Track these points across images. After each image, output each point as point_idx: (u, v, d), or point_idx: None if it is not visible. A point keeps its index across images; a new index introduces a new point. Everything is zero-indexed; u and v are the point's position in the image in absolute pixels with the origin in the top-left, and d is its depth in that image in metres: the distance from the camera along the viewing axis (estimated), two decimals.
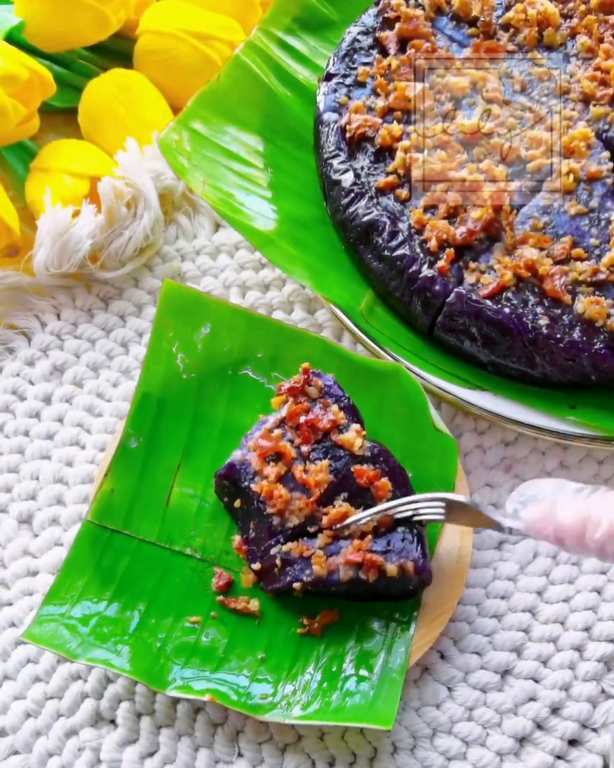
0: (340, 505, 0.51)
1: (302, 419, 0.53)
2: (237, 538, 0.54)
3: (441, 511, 0.50)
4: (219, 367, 0.58)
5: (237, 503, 0.53)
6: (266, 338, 0.58)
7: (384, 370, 0.57)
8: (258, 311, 0.64)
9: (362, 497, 0.52)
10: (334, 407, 0.53)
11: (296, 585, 0.50)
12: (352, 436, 0.53)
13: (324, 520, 0.51)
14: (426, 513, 0.51)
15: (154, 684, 0.49)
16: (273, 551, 0.51)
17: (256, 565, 0.52)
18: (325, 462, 0.52)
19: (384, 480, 0.52)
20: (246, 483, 0.52)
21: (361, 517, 0.51)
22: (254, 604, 0.52)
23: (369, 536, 0.51)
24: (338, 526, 0.51)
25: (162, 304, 0.58)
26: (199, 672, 0.51)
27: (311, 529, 0.51)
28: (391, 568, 0.50)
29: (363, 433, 0.53)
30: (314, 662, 0.51)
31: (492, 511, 0.48)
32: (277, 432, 0.53)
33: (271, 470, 0.52)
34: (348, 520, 0.51)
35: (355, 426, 0.53)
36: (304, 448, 0.52)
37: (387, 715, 0.49)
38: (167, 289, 0.59)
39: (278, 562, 0.51)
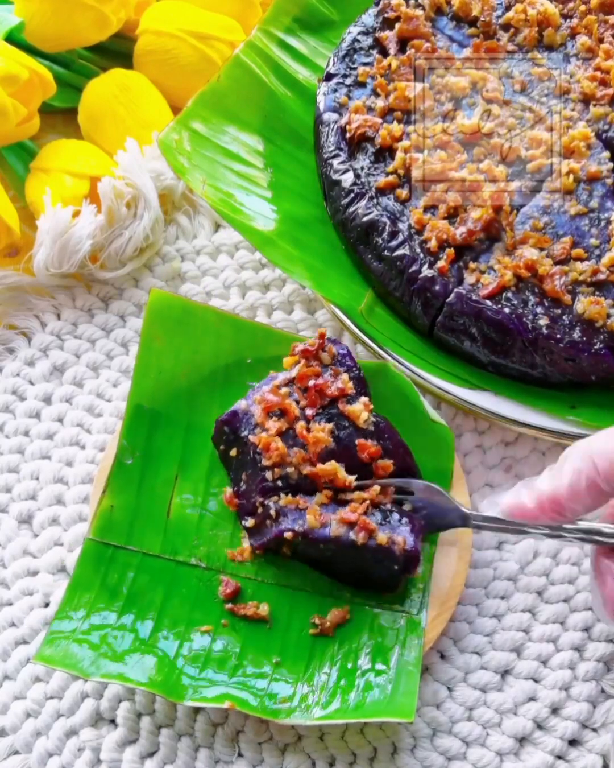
0: (330, 464, 0.52)
1: (311, 383, 0.53)
2: (228, 491, 0.54)
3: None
4: (209, 374, 0.58)
5: (233, 452, 0.54)
6: (253, 342, 0.58)
7: (372, 369, 0.57)
8: (258, 311, 0.64)
9: (361, 473, 0.52)
10: (344, 376, 0.54)
11: (288, 534, 0.50)
12: (359, 408, 0.53)
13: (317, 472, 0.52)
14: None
15: (171, 696, 0.49)
16: (269, 502, 0.51)
17: (249, 522, 0.52)
18: (329, 425, 0.52)
19: (387, 461, 0.53)
20: (245, 432, 0.53)
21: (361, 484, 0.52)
22: (263, 609, 0.52)
23: (367, 504, 0.51)
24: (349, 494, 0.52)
25: (149, 314, 0.58)
26: (215, 680, 0.50)
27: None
28: (382, 537, 0.50)
29: (371, 407, 0.53)
30: (329, 662, 0.51)
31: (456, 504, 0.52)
32: (285, 390, 0.53)
33: (273, 424, 0.52)
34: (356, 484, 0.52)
35: (363, 398, 0.53)
36: (309, 412, 0.53)
37: (408, 707, 0.49)
38: (154, 298, 0.58)
39: (273, 512, 0.51)
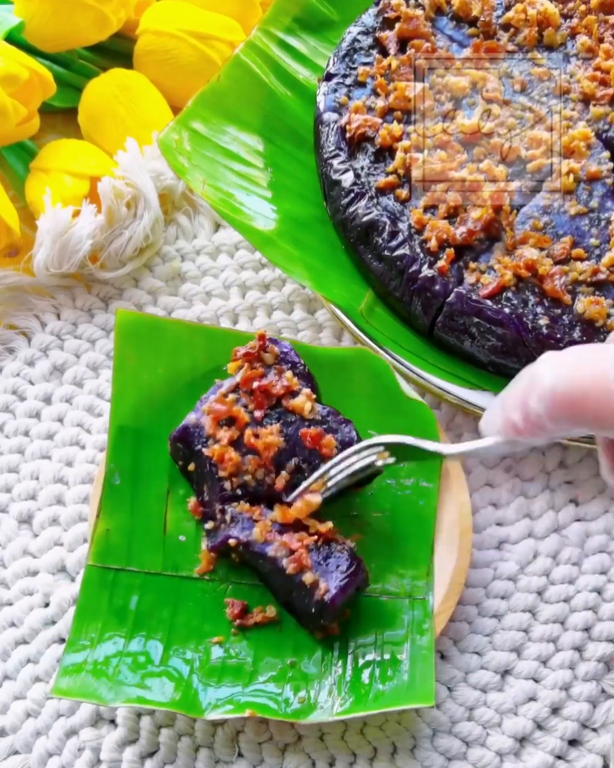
0: (288, 474, 0.52)
1: (255, 384, 0.53)
2: (192, 500, 0.55)
3: (387, 455, 0.51)
4: (186, 387, 0.57)
5: (191, 466, 0.54)
6: (226, 349, 0.57)
7: (349, 356, 0.58)
8: (258, 311, 0.64)
9: (313, 460, 0.53)
10: (288, 373, 0.54)
11: (231, 541, 0.51)
12: (302, 401, 0.53)
13: (277, 483, 0.52)
14: (373, 460, 0.51)
15: (191, 712, 0.49)
16: (227, 507, 0.52)
17: (209, 524, 0.53)
18: (276, 426, 0.53)
19: (329, 437, 0.53)
20: (199, 446, 0.53)
21: (310, 481, 0.52)
22: (271, 611, 0.52)
23: (317, 538, 0.51)
24: (293, 495, 0.52)
25: (119, 335, 0.57)
26: (233, 690, 0.50)
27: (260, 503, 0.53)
28: (309, 576, 0.50)
29: (314, 397, 0.54)
30: (343, 656, 0.51)
31: (428, 443, 0.49)
32: (232, 397, 0.54)
33: (224, 434, 0.52)
34: (301, 487, 0.52)
35: (306, 390, 0.54)
36: (258, 413, 0.53)
37: (427, 692, 0.49)
38: (122, 319, 0.58)
39: (228, 518, 0.52)
